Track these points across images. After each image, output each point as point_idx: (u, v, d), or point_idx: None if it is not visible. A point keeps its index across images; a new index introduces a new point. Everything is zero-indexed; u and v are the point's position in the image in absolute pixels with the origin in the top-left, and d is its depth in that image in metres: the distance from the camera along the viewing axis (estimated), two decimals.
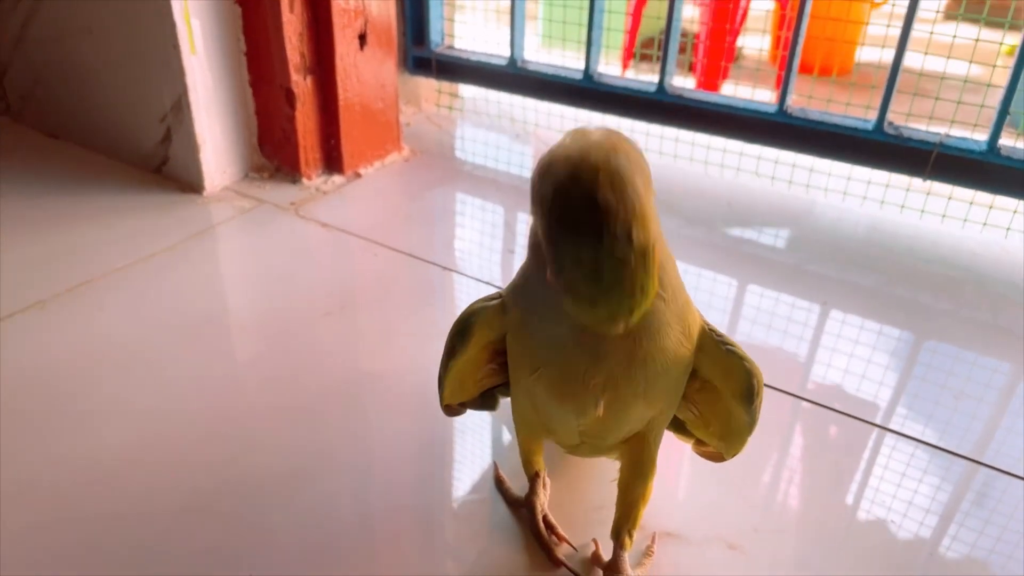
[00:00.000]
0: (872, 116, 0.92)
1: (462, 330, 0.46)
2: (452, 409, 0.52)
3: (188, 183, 1.00)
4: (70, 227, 0.90)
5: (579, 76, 1.09)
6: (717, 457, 0.51)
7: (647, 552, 0.51)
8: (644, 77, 1.09)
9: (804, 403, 0.67)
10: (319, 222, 0.94)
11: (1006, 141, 0.86)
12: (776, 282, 0.84)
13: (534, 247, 0.41)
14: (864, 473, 0.60)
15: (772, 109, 0.97)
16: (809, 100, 1.00)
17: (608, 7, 1.08)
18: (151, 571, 0.49)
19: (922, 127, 0.91)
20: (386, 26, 1.02)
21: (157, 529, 0.52)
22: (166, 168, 1.02)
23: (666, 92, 1.03)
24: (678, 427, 0.51)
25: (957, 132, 0.89)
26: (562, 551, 0.51)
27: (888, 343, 0.75)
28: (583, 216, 0.33)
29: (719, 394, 0.45)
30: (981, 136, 0.87)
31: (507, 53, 1.14)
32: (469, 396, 0.51)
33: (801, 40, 0.93)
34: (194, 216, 0.94)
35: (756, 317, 0.78)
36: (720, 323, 0.76)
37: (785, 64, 0.94)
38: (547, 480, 0.55)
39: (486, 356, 0.48)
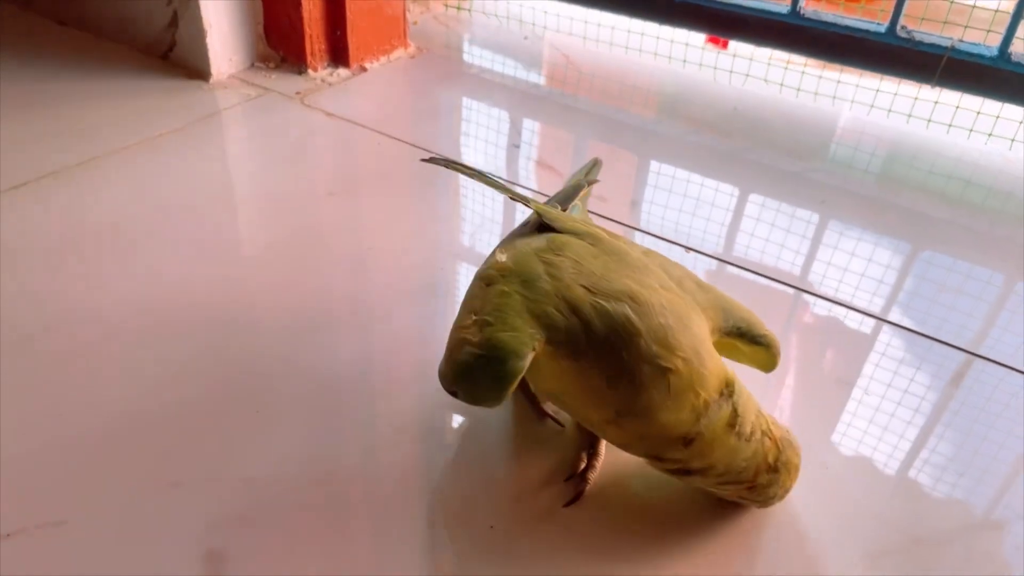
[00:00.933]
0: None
1: (497, 389, 0.41)
2: None
3: (195, 69, 1.00)
4: (78, 107, 0.91)
5: None
6: None
7: None
8: None
9: (804, 295, 0.68)
10: (324, 111, 0.94)
11: (1018, 48, 0.85)
12: (778, 190, 0.84)
13: None
14: (859, 361, 0.62)
15: (784, 9, 0.95)
16: None
17: None
18: (160, 402, 0.53)
19: (935, 33, 0.90)
20: None
21: (167, 373, 0.55)
22: (173, 54, 1.02)
23: None
24: None
25: (970, 39, 0.88)
26: (549, 405, 0.54)
27: (884, 252, 0.75)
28: None
29: None
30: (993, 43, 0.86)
31: None
32: None
33: None
34: (200, 101, 0.95)
35: (755, 228, 0.78)
36: (719, 232, 0.77)
37: None
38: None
39: None
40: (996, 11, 0.86)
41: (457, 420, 0.54)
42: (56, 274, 0.65)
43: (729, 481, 0.44)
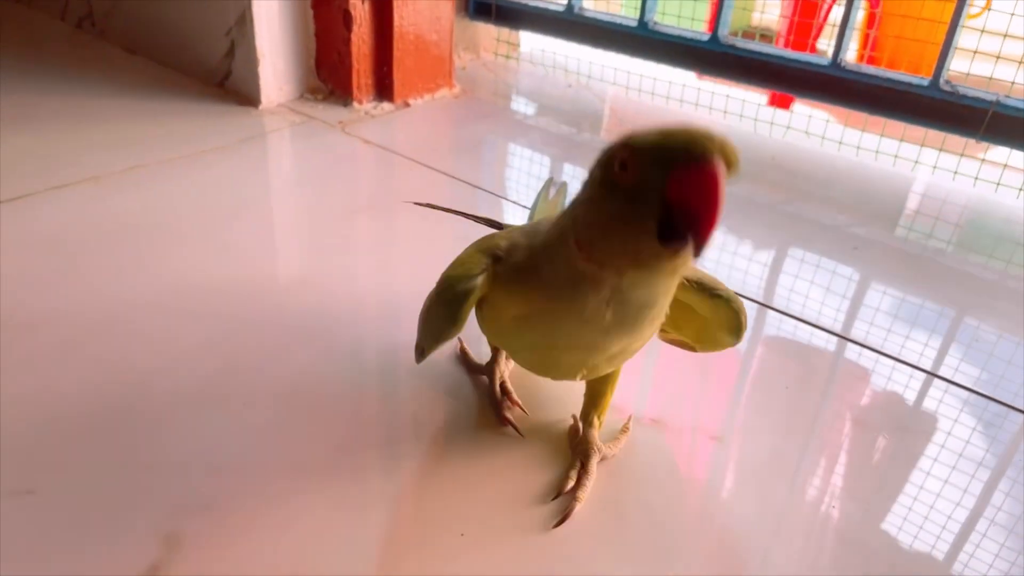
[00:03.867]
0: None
1: (451, 313, 0.43)
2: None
3: (247, 96, 1.05)
4: (132, 124, 0.96)
5: (634, 24, 1.09)
6: (687, 347, 0.51)
7: (622, 429, 0.52)
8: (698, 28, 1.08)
9: (849, 343, 0.65)
10: (362, 139, 0.97)
11: None
12: (818, 243, 0.82)
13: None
14: (905, 414, 0.59)
15: (826, 62, 0.95)
16: None
17: None
18: (157, 392, 0.53)
19: (980, 88, 0.88)
20: None
21: (167, 361, 0.56)
22: (228, 82, 1.07)
23: (720, 42, 1.02)
24: None
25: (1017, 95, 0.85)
26: (514, 413, 0.52)
27: (929, 313, 0.72)
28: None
29: (695, 312, 0.46)
30: None
31: (564, 0, 1.15)
32: None
33: None
34: (247, 125, 0.98)
35: (795, 284, 0.76)
36: (758, 284, 0.75)
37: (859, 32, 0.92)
38: None
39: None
40: None
41: (421, 422, 0.52)
42: (71, 267, 0.67)
43: None
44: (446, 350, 0.59)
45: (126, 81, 1.11)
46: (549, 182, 0.70)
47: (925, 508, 0.49)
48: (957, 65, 0.88)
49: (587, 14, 1.14)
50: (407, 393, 0.55)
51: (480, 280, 0.42)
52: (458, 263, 0.44)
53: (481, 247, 0.45)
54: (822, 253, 0.79)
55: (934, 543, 0.47)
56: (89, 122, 0.96)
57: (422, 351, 0.47)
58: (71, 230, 0.72)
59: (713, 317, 0.46)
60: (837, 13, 0.94)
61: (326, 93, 1.09)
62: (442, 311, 0.43)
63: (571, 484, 0.47)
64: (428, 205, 0.61)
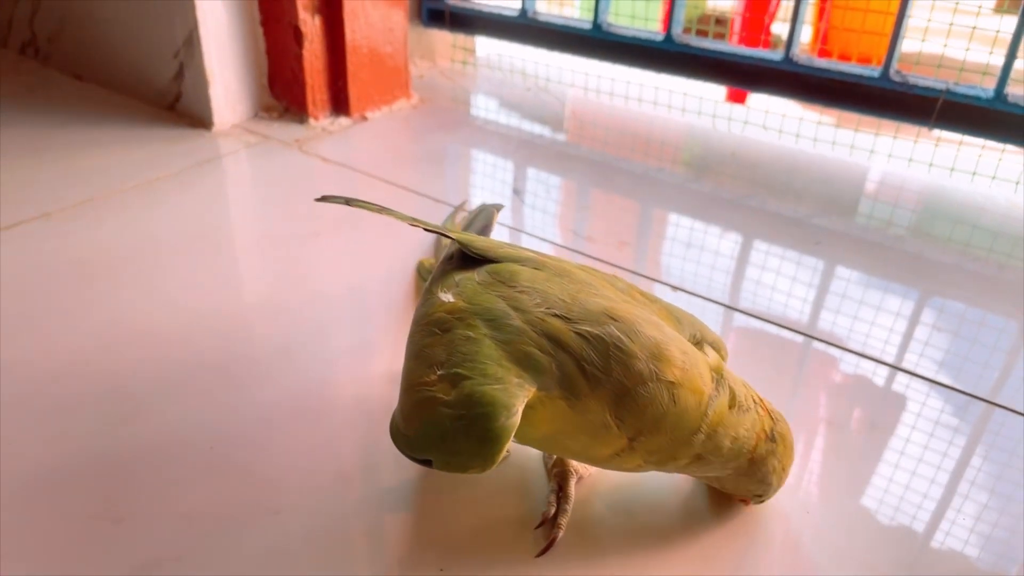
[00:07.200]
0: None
1: (486, 454, 0.36)
2: None
3: (199, 119, 1.03)
4: (81, 154, 0.94)
5: (588, 26, 1.09)
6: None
7: None
8: (652, 28, 1.09)
9: (816, 343, 0.66)
10: (321, 157, 0.95)
11: (1014, 89, 0.83)
12: (781, 236, 0.82)
13: None
14: (868, 408, 0.59)
15: (778, 57, 0.95)
16: None
17: None
18: (121, 440, 0.51)
19: (930, 77, 0.89)
20: None
21: (132, 406, 0.55)
22: (179, 105, 1.05)
23: (673, 41, 1.03)
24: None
25: (965, 82, 0.87)
26: None
27: (892, 299, 0.73)
28: None
29: None
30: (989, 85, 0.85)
31: (519, 5, 1.15)
32: None
33: None
34: (201, 148, 0.96)
35: (760, 277, 0.76)
36: (724, 284, 0.76)
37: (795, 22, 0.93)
38: None
39: None
40: (987, 64, 0.85)
41: (413, 465, 0.52)
42: (28, 309, 0.65)
43: (733, 457, 0.42)
44: None
45: (73, 108, 1.08)
46: (458, 209, 0.68)
47: (893, 506, 0.50)
48: (909, 46, 0.89)
49: (541, 18, 1.14)
50: (381, 424, 0.54)
51: (521, 412, 0.36)
52: (482, 372, 0.37)
53: (508, 350, 0.38)
54: (786, 246, 0.80)
55: (905, 539, 0.48)
56: (37, 154, 0.93)
57: (426, 463, 0.39)
58: (26, 271, 0.70)
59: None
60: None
61: (281, 111, 1.07)
62: (474, 447, 0.35)
63: (552, 511, 0.47)
64: (342, 200, 0.52)
